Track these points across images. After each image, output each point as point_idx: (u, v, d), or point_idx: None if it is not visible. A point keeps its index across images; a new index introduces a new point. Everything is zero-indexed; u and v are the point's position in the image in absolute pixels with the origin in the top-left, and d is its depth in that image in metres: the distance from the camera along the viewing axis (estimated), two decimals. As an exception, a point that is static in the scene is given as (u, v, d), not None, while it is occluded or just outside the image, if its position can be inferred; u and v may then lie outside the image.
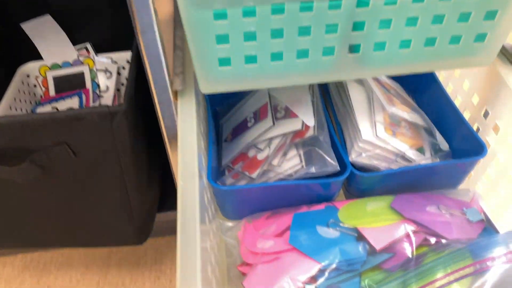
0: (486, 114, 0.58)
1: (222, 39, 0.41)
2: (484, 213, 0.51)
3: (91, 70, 0.85)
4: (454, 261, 0.42)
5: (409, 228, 0.47)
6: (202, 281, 0.34)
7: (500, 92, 0.53)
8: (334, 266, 0.45)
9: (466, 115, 0.60)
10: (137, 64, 0.66)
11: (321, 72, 0.46)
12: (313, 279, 0.44)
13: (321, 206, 0.54)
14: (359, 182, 0.54)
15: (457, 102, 0.63)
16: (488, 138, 0.57)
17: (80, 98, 0.85)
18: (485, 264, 0.41)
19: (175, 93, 0.48)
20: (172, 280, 0.90)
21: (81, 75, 0.85)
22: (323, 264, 0.44)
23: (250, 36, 0.42)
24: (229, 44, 0.42)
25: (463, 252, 0.43)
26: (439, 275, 0.41)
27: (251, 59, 0.44)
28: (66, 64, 0.85)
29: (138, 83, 0.63)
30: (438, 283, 0.41)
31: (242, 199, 0.54)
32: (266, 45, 0.42)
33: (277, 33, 0.42)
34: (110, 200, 0.67)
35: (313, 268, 0.44)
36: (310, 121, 0.54)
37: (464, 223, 0.49)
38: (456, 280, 0.41)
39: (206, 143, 0.57)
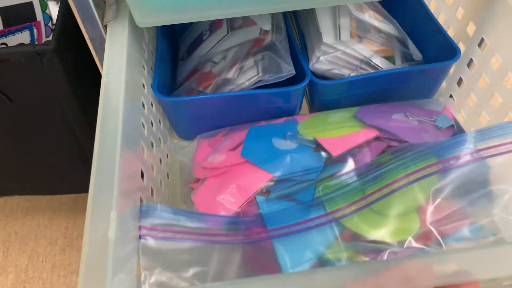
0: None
1: None
2: (455, 120, 0.47)
3: (40, 1, 0.79)
4: (416, 162, 0.39)
5: (371, 134, 0.43)
6: (118, 210, 0.29)
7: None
8: (287, 176, 0.41)
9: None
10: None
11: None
12: (266, 191, 0.40)
13: (280, 120, 0.49)
14: (321, 92, 0.49)
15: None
16: (462, 42, 0.52)
17: (31, 32, 0.78)
18: (448, 163, 0.37)
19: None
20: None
21: (30, 6, 0.78)
22: (275, 175, 0.41)
23: None
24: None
25: (427, 153, 0.39)
26: (399, 176, 0.38)
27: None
28: (12, -6, 0.79)
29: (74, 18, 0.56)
30: (397, 184, 0.37)
31: (194, 115, 0.49)
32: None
33: None
34: (61, 149, 0.62)
35: (264, 179, 0.41)
36: (267, 25, 0.49)
37: (433, 129, 0.45)
38: (417, 180, 0.37)
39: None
